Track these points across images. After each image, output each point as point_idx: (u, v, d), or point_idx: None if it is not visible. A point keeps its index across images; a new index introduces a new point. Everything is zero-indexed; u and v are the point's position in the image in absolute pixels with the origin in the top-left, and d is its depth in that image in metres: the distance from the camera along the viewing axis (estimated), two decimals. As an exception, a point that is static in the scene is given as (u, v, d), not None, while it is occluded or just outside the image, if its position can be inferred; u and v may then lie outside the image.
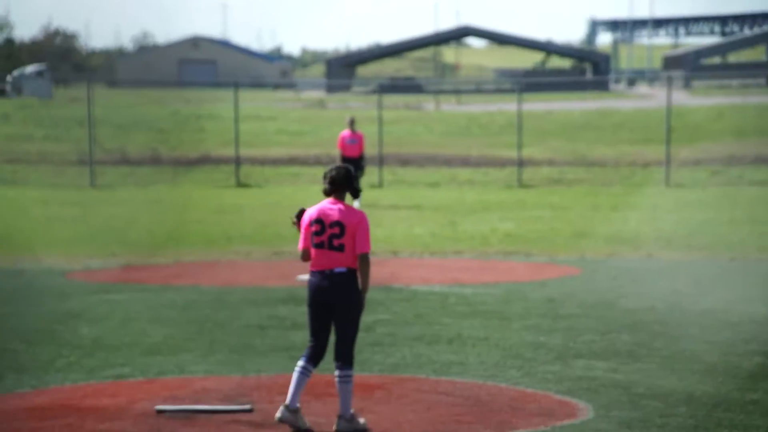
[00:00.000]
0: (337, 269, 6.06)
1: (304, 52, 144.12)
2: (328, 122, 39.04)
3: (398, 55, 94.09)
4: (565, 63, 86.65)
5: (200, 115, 41.26)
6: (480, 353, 8.12)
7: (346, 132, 20.42)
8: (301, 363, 6.19)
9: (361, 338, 8.63)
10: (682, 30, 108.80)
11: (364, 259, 6.12)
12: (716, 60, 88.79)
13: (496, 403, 6.70)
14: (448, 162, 31.01)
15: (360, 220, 6.12)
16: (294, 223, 6.23)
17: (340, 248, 6.07)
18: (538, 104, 45.07)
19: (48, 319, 9.71)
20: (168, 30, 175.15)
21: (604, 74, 76.41)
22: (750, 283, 11.97)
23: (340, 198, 6.16)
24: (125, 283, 12.00)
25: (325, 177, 6.17)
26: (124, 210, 20.18)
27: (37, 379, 7.37)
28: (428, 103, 54.26)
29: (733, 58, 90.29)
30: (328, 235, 6.07)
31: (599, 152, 32.95)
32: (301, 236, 6.17)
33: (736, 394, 6.93)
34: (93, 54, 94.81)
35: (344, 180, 6.14)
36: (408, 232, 16.58)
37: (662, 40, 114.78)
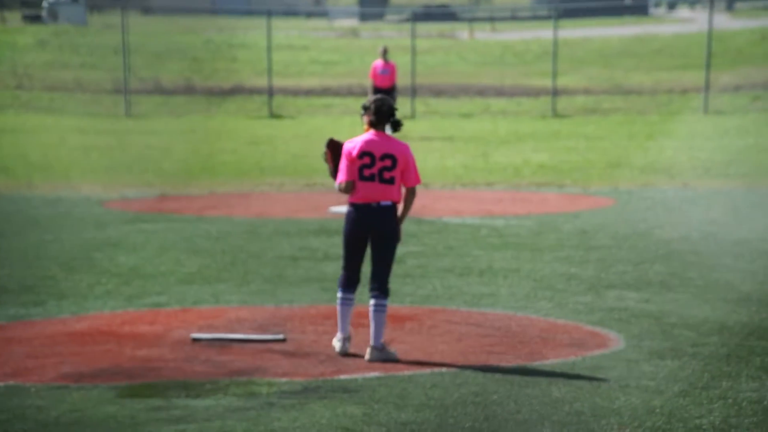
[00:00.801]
0: (384, 202, 6.06)
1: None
2: (361, 52, 38.71)
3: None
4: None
5: (233, 44, 41.09)
6: (511, 285, 8.16)
7: (378, 62, 20.27)
8: (341, 294, 6.25)
9: (393, 270, 8.72)
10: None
11: (413, 192, 6.13)
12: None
13: (527, 334, 6.75)
14: (482, 92, 30.72)
15: (408, 152, 6.10)
16: (324, 153, 6.21)
17: (391, 181, 6.04)
18: (574, 31, 44.30)
19: (87, 247, 9.90)
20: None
21: (644, -1, 74.67)
22: (787, 214, 11.85)
23: (382, 130, 6.12)
24: (160, 213, 12.16)
25: (367, 109, 6.08)
26: (159, 140, 20.31)
27: (77, 306, 7.54)
28: (462, 31, 53.56)
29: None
30: (379, 168, 6.02)
31: (636, 80, 32.43)
32: (343, 168, 6.07)
33: (769, 325, 6.94)
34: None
35: (388, 112, 6.08)
36: (440, 164, 16.55)
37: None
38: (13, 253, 9.61)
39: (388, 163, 6.02)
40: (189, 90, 30.67)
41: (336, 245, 9.25)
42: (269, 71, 26.29)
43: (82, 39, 41.31)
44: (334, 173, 6.24)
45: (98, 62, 35.15)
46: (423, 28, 46.13)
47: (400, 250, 9.57)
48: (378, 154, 6.03)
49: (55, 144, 19.53)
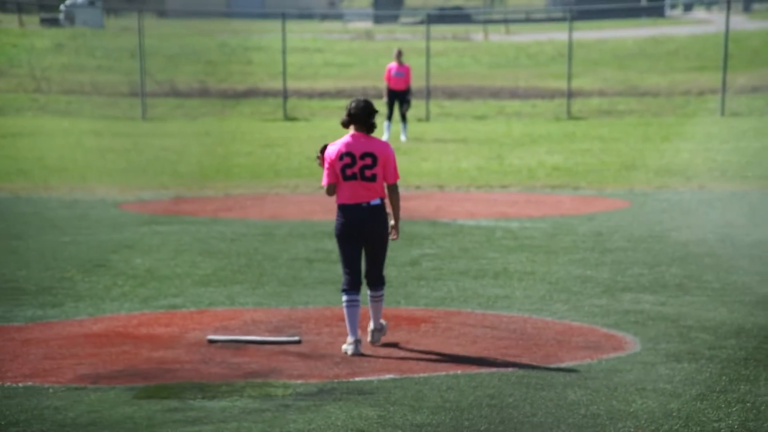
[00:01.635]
0: (373, 202, 6.16)
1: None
2: (375, 54, 38.76)
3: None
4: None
5: (248, 47, 41.22)
6: (526, 287, 8.15)
7: (393, 64, 20.28)
8: (346, 297, 6.31)
9: (407, 272, 8.74)
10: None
11: (395, 189, 6.23)
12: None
13: (542, 337, 6.74)
14: (496, 94, 30.68)
15: (388, 149, 6.22)
16: (318, 158, 6.29)
17: (372, 178, 6.14)
18: (589, 32, 44.20)
19: (103, 248, 9.95)
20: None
21: None
22: (804, 217, 11.78)
23: (361, 130, 6.19)
24: (176, 215, 12.20)
25: (348, 111, 6.19)
26: (174, 142, 20.39)
27: (94, 307, 7.58)
28: (476, 33, 53.53)
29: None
30: (360, 166, 6.13)
31: (652, 81, 32.31)
32: (326, 171, 6.22)
33: (786, 329, 6.90)
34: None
35: (365, 113, 6.15)
36: (454, 166, 16.54)
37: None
38: (30, 255, 9.66)
39: (368, 161, 6.12)
40: (204, 93, 30.79)
41: (351, 247, 9.23)
42: (284, 74, 26.35)
43: (99, 42, 41.53)
44: None
45: (114, 65, 35.34)
46: (437, 30, 46.13)
47: (415, 251, 9.61)
48: (358, 153, 6.14)
49: (72, 146, 19.64)
